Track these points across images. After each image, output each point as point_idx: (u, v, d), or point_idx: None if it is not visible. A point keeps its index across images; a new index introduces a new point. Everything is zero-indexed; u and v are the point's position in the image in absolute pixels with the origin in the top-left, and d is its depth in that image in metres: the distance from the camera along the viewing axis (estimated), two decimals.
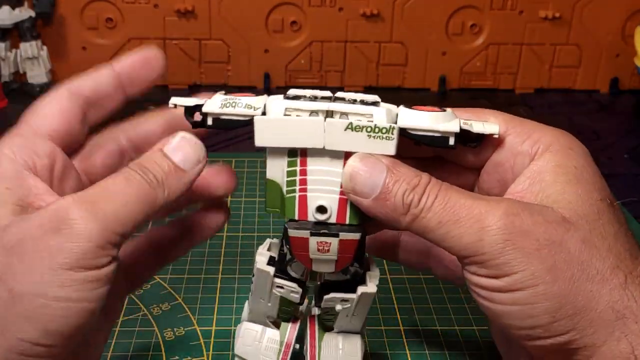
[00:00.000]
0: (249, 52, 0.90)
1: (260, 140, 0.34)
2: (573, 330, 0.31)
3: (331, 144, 0.33)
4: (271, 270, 0.37)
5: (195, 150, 0.35)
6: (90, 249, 0.29)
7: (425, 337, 0.47)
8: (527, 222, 0.31)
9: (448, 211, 0.32)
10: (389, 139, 0.33)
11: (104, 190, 0.31)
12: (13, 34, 0.85)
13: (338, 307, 0.39)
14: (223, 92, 0.36)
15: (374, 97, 0.35)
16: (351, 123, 0.33)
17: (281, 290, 0.38)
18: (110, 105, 0.39)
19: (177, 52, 0.89)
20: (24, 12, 0.83)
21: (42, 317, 0.29)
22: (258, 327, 0.40)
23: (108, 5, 0.86)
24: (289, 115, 0.34)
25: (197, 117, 0.35)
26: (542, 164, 0.33)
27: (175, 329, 0.47)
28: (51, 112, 0.36)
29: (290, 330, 0.40)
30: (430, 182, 0.32)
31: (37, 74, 0.86)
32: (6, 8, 0.82)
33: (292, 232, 0.35)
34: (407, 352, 0.45)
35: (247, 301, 0.41)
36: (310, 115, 0.34)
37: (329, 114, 0.34)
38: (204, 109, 0.35)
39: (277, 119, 0.34)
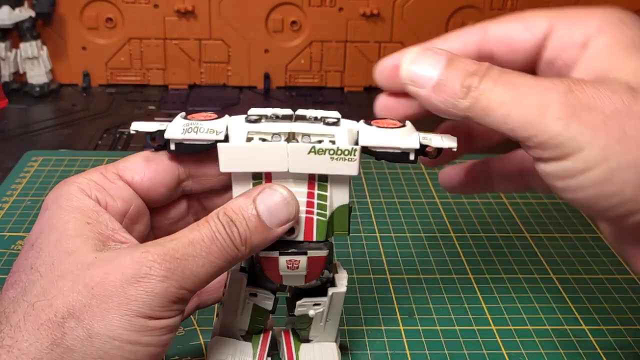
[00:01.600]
0: (249, 52, 0.90)
1: (225, 166, 0.35)
2: None
3: (295, 168, 0.34)
4: (244, 276, 0.38)
5: (286, 208, 0.34)
6: (164, 303, 0.31)
7: (425, 337, 0.47)
8: (592, 95, 0.30)
9: (509, 91, 0.31)
10: (351, 160, 0.34)
11: (189, 247, 0.32)
12: (13, 34, 0.85)
13: (311, 312, 0.39)
14: (183, 113, 0.36)
15: (335, 114, 0.36)
16: (314, 147, 0.34)
17: (254, 297, 0.39)
18: (210, 184, 0.38)
19: (177, 52, 0.89)
20: (24, 12, 0.83)
21: (114, 358, 0.31)
22: (230, 341, 0.41)
23: (108, 5, 0.86)
24: (252, 138, 0.34)
25: (159, 141, 0.36)
26: (596, 47, 0.32)
27: None
28: (144, 165, 0.36)
29: (262, 342, 0.41)
30: (491, 66, 0.32)
31: (37, 74, 0.86)
32: (6, 8, 0.82)
33: (261, 253, 0.36)
34: (407, 352, 0.45)
35: (216, 315, 0.42)
36: (272, 137, 0.34)
37: (291, 135, 0.34)
38: (166, 135, 0.35)
39: (241, 146, 0.34)
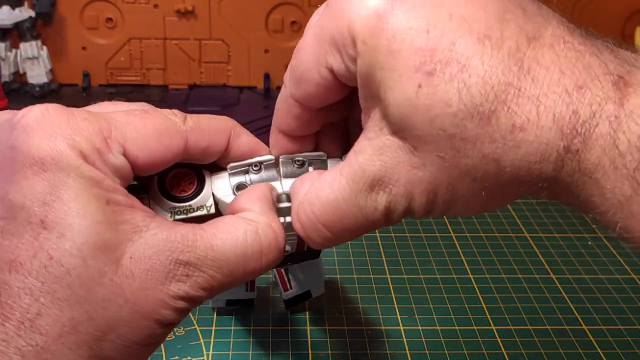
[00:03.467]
0: (249, 52, 0.90)
1: None
2: None
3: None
4: None
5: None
6: (186, 313, 0.30)
7: (425, 336, 0.47)
8: (402, 181, 0.29)
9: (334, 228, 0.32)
10: None
11: (227, 276, 0.31)
12: (13, 34, 0.85)
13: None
14: (157, 180, 0.34)
15: (320, 155, 0.36)
16: None
17: None
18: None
19: (177, 52, 0.89)
20: (24, 12, 0.83)
21: (138, 359, 0.30)
22: None
23: (108, 5, 0.86)
24: None
25: None
26: (360, 79, 0.30)
27: (175, 329, 0.47)
28: (155, 147, 0.32)
29: None
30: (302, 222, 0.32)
31: (37, 74, 0.86)
32: (6, 8, 0.82)
33: None
34: (407, 352, 0.45)
35: None
36: None
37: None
38: None
39: None
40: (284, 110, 0.35)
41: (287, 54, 0.89)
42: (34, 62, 0.85)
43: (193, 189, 0.34)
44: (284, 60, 0.90)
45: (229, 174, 0.34)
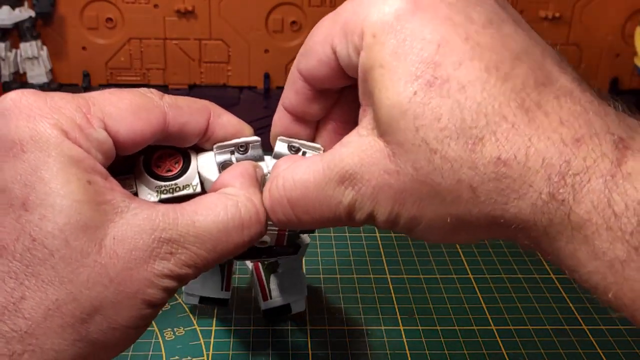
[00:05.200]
0: (249, 52, 0.90)
1: None
2: None
3: None
4: None
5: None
6: (173, 292, 0.30)
7: (425, 337, 0.47)
8: (373, 182, 0.29)
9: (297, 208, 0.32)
10: None
11: (211, 252, 0.31)
12: (13, 34, 0.85)
13: (279, 260, 0.44)
14: (143, 160, 0.34)
15: (317, 147, 0.36)
16: None
17: None
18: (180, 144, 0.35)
19: (177, 52, 0.89)
20: (24, 12, 0.83)
21: (126, 343, 0.30)
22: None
23: (108, 5, 0.86)
24: None
25: None
26: (360, 72, 0.30)
27: (175, 329, 0.47)
28: (134, 122, 0.32)
29: (227, 269, 0.45)
30: (271, 194, 0.32)
31: (37, 74, 0.86)
32: (6, 8, 0.82)
33: (238, 259, 0.40)
34: (407, 352, 0.45)
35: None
36: None
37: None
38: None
39: None
40: (289, 83, 0.35)
41: (287, 54, 0.90)
42: (34, 62, 0.85)
43: (179, 168, 0.34)
44: (284, 60, 0.90)
45: (215, 154, 0.35)
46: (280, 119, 0.36)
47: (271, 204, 0.32)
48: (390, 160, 0.28)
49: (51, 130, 0.28)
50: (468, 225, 0.28)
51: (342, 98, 0.35)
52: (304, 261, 0.47)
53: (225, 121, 0.35)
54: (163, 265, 0.29)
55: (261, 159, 0.35)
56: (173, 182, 0.34)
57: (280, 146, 0.35)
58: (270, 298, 0.46)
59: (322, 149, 0.36)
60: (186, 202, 0.31)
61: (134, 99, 0.32)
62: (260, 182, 0.34)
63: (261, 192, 0.33)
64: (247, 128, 0.36)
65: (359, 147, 0.30)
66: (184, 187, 0.34)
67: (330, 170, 0.30)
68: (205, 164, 0.35)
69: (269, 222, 0.33)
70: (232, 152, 0.35)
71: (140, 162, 0.34)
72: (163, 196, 0.34)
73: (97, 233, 0.28)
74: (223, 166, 0.34)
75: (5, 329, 0.27)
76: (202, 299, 0.46)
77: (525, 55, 0.28)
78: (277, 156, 0.35)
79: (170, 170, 0.34)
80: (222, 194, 0.32)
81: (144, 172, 0.34)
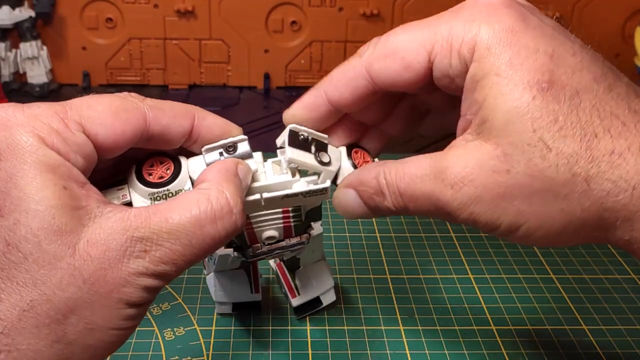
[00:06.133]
0: (249, 52, 0.90)
1: None
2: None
3: (270, 208, 0.37)
4: (230, 251, 0.41)
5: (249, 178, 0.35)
6: (155, 294, 0.31)
7: (425, 337, 0.47)
8: (473, 187, 0.32)
9: (405, 196, 0.35)
10: (323, 194, 0.37)
11: (188, 248, 0.31)
12: (13, 34, 0.85)
13: (298, 255, 0.45)
14: (135, 170, 0.34)
15: (323, 137, 0.38)
16: (287, 194, 0.35)
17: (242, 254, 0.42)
18: (164, 147, 0.35)
19: (177, 52, 0.89)
20: (24, 12, 0.83)
21: (107, 345, 0.30)
22: (225, 273, 0.45)
23: (108, 5, 0.86)
24: None
25: None
26: (469, 82, 0.33)
27: (175, 329, 0.47)
28: (112, 123, 0.32)
29: (253, 268, 0.46)
30: (389, 176, 0.35)
31: (37, 74, 0.86)
32: (6, 8, 0.82)
33: (251, 259, 0.40)
34: (407, 352, 0.45)
35: (205, 264, 0.47)
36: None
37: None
38: None
39: None
40: (344, 78, 0.36)
41: (287, 54, 0.90)
42: (34, 62, 0.85)
43: (170, 174, 0.34)
44: (284, 60, 0.90)
45: (204, 156, 0.35)
46: (315, 105, 0.37)
47: (381, 189, 0.35)
48: (500, 160, 0.31)
49: (27, 138, 0.29)
50: (576, 220, 0.31)
51: (387, 103, 0.39)
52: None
53: (211, 123, 0.36)
54: (138, 263, 0.30)
55: (250, 157, 0.35)
56: (165, 188, 0.34)
57: (294, 136, 0.37)
58: (299, 294, 0.47)
59: (327, 138, 0.38)
60: (161, 201, 0.32)
61: (112, 102, 0.33)
62: (247, 177, 0.35)
63: (242, 187, 0.34)
64: (234, 128, 0.37)
65: (465, 150, 0.32)
66: (177, 192, 0.34)
67: (435, 168, 0.33)
68: (195, 167, 0.35)
69: (274, 216, 0.34)
70: (221, 153, 0.35)
71: (132, 170, 0.34)
72: (157, 203, 0.34)
73: (70, 237, 0.29)
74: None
75: None
76: (235, 306, 0.47)
77: (618, 72, 0.33)
78: (291, 145, 0.36)
79: (162, 177, 0.34)
80: (197, 189, 0.32)
81: (136, 181, 0.34)
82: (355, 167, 0.39)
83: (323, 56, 0.90)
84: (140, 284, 0.30)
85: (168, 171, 0.34)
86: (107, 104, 0.32)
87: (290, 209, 0.38)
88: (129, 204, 0.34)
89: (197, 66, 0.90)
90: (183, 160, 0.35)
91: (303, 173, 0.37)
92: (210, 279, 0.47)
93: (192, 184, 0.34)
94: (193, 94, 0.89)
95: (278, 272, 0.48)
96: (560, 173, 0.30)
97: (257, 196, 0.35)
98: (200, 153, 0.35)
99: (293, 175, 0.37)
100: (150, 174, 0.34)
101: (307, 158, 0.37)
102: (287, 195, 0.35)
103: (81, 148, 0.31)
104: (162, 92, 0.90)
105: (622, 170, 0.30)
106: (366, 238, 0.58)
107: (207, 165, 0.35)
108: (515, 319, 0.49)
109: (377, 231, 0.59)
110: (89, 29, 0.87)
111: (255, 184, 0.36)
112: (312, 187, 0.36)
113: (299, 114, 0.38)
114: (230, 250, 0.41)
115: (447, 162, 0.33)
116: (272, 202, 0.36)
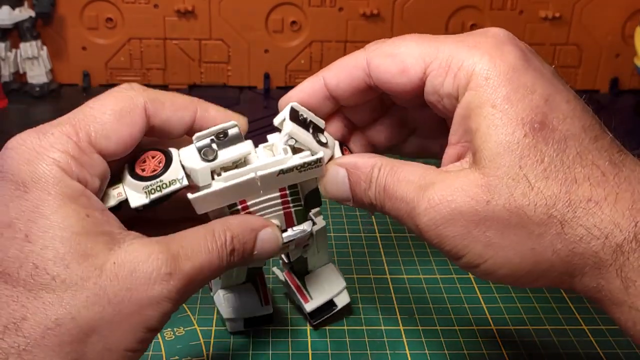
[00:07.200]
0: (249, 52, 0.90)
1: (200, 210, 0.35)
2: None
3: (267, 189, 0.36)
4: None
5: (275, 248, 0.37)
6: (169, 319, 0.32)
7: (425, 337, 0.47)
8: (449, 209, 0.32)
9: (387, 193, 0.35)
10: (318, 167, 0.37)
11: (200, 273, 0.33)
12: (13, 34, 0.85)
13: (305, 254, 0.44)
14: (128, 166, 0.35)
15: (321, 122, 0.39)
16: (282, 169, 0.35)
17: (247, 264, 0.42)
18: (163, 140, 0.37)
19: (177, 52, 0.89)
20: (24, 12, 0.83)
21: None
22: (233, 289, 0.45)
23: (108, 5, 0.86)
24: (214, 171, 0.35)
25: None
26: (463, 108, 0.33)
27: (175, 329, 0.47)
28: (117, 129, 0.34)
29: (260, 281, 0.46)
30: (382, 171, 0.36)
31: (37, 74, 0.86)
32: (6, 8, 0.82)
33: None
34: (407, 352, 0.45)
35: (210, 284, 0.46)
36: (233, 164, 0.36)
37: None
38: (133, 205, 0.34)
39: (213, 192, 0.35)
40: (346, 67, 0.38)
41: (287, 54, 0.90)
42: (34, 62, 0.85)
43: (162, 167, 0.35)
44: (284, 60, 0.90)
45: (195, 144, 0.35)
46: (313, 90, 0.39)
47: (371, 179, 0.36)
48: (482, 190, 0.32)
49: (49, 169, 0.31)
50: (545, 262, 0.31)
51: (379, 107, 0.40)
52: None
53: (214, 114, 0.37)
54: (162, 287, 0.31)
55: (240, 140, 0.36)
56: (158, 179, 0.34)
57: (295, 113, 0.37)
58: (311, 298, 0.46)
59: (324, 124, 0.39)
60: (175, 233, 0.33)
61: (116, 106, 0.34)
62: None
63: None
64: (239, 117, 0.38)
65: (455, 175, 0.33)
66: (171, 183, 0.34)
67: (424, 179, 0.34)
68: (187, 155, 0.35)
69: (273, 203, 0.36)
70: (212, 140, 0.35)
71: (125, 168, 0.35)
72: (153, 196, 0.34)
73: (97, 260, 0.30)
74: (204, 152, 0.35)
75: (5, 346, 0.28)
76: (247, 322, 0.46)
77: (603, 126, 0.33)
78: (293, 117, 0.37)
79: (154, 170, 0.35)
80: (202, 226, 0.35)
81: (129, 177, 0.34)
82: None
83: (323, 56, 0.90)
84: (161, 309, 0.31)
85: (160, 164, 0.35)
86: (110, 110, 0.34)
87: (288, 192, 0.38)
88: (125, 202, 0.34)
89: (197, 66, 0.90)
90: (174, 151, 0.35)
91: (297, 153, 0.37)
92: (218, 297, 0.45)
93: (186, 172, 0.35)
94: (193, 94, 0.89)
95: (287, 280, 0.47)
96: (538, 212, 0.31)
97: (251, 175, 0.35)
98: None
99: (285, 154, 0.37)
100: (143, 170, 0.35)
101: (306, 135, 0.37)
102: (282, 171, 0.35)
103: (96, 169, 0.33)
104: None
105: (597, 219, 0.30)
106: (366, 238, 0.58)
107: (198, 148, 0.35)
108: (515, 319, 0.49)
109: (377, 231, 0.59)
110: (89, 29, 0.87)
111: (249, 166, 0.36)
112: (307, 159, 0.36)
113: (296, 97, 0.39)
114: None
115: (436, 179, 0.33)
116: (268, 182, 0.35)
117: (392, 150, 0.43)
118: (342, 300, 0.47)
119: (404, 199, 0.34)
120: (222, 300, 0.45)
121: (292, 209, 0.39)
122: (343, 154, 0.40)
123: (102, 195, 0.34)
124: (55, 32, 0.87)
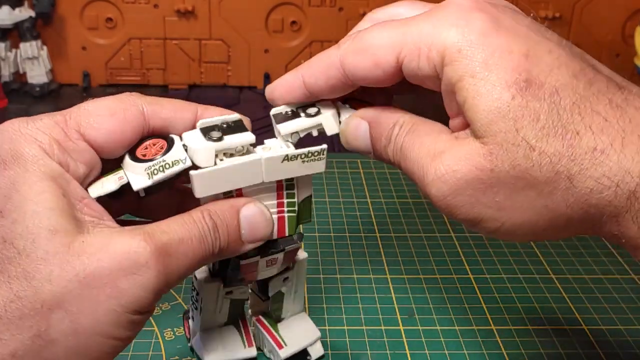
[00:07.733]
0: (249, 52, 0.90)
1: (200, 192, 0.34)
2: None
3: (269, 177, 0.36)
4: (220, 282, 0.40)
5: (265, 229, 0.36)
6: (152, 299, 0.31)
7: (425, 337, 0.47)
8: (455, 179, 0.32)
9: (403, 153, 0.35)
10: (320, 159, 0.36)
11: (180, 245, 0.32)
12: (13, 34, 0.85)
13: (284, 288, 0.42)
14: (129, 153, 0.34)
15: (314, 109, 0.38)
16: (287, 155, 0.35)
17: (230, 294, 0.41)
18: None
19: (177, 52, 0.89)
20: (24, 12, 0.83)
21: (93, 354, 0.30)
22: (213, 331, 0.43)
23: (108, 5, 0.86)
24: (217, 155, 0.34)
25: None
26: (446, 85, 0.32)
27: (175, 329, 0.47)
28: (110, 123, 0.33)
29: (244, 325, 0.43)
30: (402, 129, 0.35)
31: (37, 74, 0.86)
32: (6, 8, 0.82)
33: (243, 261, 0.37)
34: (407, 352, 0.45)
35: (187, 319, 0.44)
36: (237, 151, 0.35)
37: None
38: (135, 188, 0.33)
39: (217, 170, 0.34)
40: (321, 66, 0.37)
41: (287, 54, 0.90)
42: (34, 62, 0.85)
43: (164, 150, 0.34)
44: (284, 60, 0.90)
45: (200, 129, 0.35)
46: (292, 87, 0.38)
47: (391, 136, 0.35)
48: (485, 158, 0.31)
49: (30, 149, 0.31)
50: (561, 216, 0.31)
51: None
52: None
53: (215, 112, 0.37)
54: (138, 255, 0.30)
55: (245, 129, 0.36)
56: (161, 159, 0.33)
57: (275, 117, 0.38)
58: (285, 345, 0.43)
59: (317, 108, 0.38)
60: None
61: (109, 103, 0.34)
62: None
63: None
64: (241, 117, 0.38)
65: (462, 142, 0.32)
66: (174, 163, 0.33)
67: (437, 144, 0.33)
68: (190, 137, 0.35)
69: (269, 203, 0.36)
70: (217, 127, 0.35)
71: (126, 153, 0.34)
72: (155, 177, 0.33)
73: (65, 237, 0.30)
74: (209, 135, 0.34)
75: None
76: None
77: (598, 66, 0.32)
78: (278, 118, 0.37)
79: (156, 154, 0.34)
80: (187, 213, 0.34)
81: (130, 161, 0.34)
82: (354, 108, 0.38)
83: None
84: (139, 280, 0.30)
85: (162, 149, 0.34)
86: (103, 106, 0.34)
87: (284, 193, 0.37)
88: (127, 185, 0.33)
89: (197, 66, 0.90)
90: (176, 137, 0.35)
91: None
92: (197, 342, 0.42)
93: (188, 155, 0.34)
94: (193, 94, 0.89)
95: (259, 326, 0.44)
96: (544, 172, 0.30)
97: (257, 156, 0.35)
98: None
99: (288, 148, 0.37)
100: (144, 155, 0.34)
101: (297, 122, 0.37)
102: (287, 157, 0.35)
103: (82, 155, 0.33)
104: (162, 92, 0.90)
105: (605, 168, 0.29)
106: (366, 238, 0.58)
107: (203, 133, 0.34)
108: (515, 319, 0.49)
109: (377, 231, 0.59)
110: (89, 29, 0.87)
111: (253, 153, 0.36)
112: (311, 148, 0.36)
113: (277, 92, 0.39)
114: (219, 283, 0.40)
115: (445, 147, 0.32)
116: (271, 168, 0.35)
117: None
118: (316, 352, 0.44)
119: (416, 163, 0.33)
120: (201, 344, 0.42)
121: (286, 215, 0.38)
122: (355, 109, 0.38)
123: (102, 180, 0.34)
124: (55, 32, 0.87)
